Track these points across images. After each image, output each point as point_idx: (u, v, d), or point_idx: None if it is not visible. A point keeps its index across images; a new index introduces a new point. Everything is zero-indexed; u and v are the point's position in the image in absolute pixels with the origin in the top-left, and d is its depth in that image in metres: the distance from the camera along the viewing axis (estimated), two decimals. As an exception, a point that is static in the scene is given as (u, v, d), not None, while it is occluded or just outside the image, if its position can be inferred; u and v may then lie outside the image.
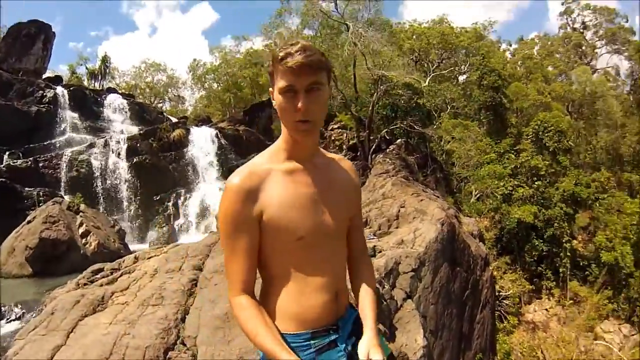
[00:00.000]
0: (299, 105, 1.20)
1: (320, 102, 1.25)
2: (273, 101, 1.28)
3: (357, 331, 1.39)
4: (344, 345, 1.34)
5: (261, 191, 1.25)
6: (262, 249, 1.29)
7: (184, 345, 3.59)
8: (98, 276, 5.79)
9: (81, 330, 3.70)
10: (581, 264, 16.86)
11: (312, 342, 1.29)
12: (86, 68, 27.17)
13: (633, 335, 14.35)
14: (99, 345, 3.34)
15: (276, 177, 1.28)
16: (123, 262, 6.27)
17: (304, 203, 1.29)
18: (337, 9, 19.58)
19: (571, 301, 15.41)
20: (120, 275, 5.61)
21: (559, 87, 25.18)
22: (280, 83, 1.22)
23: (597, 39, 31.46)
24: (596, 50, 31.52)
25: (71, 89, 17.47)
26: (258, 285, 1.35)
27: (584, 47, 31.19)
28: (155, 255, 6.36)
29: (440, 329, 8.16)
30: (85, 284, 5.58)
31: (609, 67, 31.15)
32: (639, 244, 16.34)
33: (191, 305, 4.31)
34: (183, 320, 3.99)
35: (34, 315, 5.81)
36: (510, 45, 34.82)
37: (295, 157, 1.32)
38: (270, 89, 1.30)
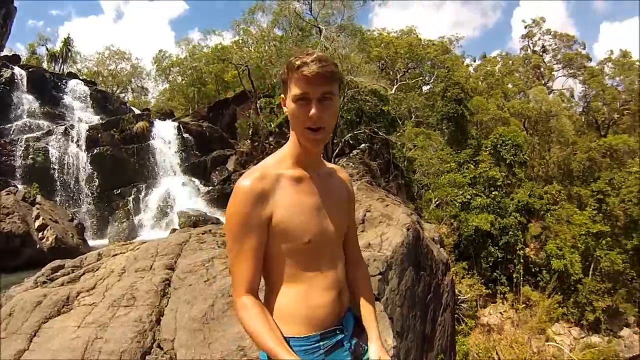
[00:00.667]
0: (312, 113, 1.24)
1: (332, 112, 1.29)
2: (283, 107, 1.32)
3: (357, 332, 1.47)
4: (349, 344, 1.40)
5: (271, 195, 1.27)
6: (268, 253, 1.31)
7: (161, 349, 3.42)
8: (58, 274, 5.39)
9: (46, 334, 3.42)
10: (533, 270, 17.77)
11: (321, 343, 1.32)
12: (47, 49, 25.46)
13: (582, 337, 15.34)
14: (68, 351, 3.10)
15: (285, 183, 1.31)
16: (85, 259, 5.87)
17: (310, 209, 1.33)
18: (310, 12, 19.67)
19: (524, 305, 16.15)
20: (83, 274, 5.26)
21: (517, 104, 26.62)
22: (295, 91, 1.25)
23: (555, 62, 33.69)
24: (553, 72, 33.74)
25: (30, 70, 16.31)
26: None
27: (542, 69, 33.26)
28: (121, 253, 6.03)
29: (405, 330, 8.34)
30: (44, 282, 5.18)
31: (564, 89, 33.43)
32: (586, 253, 17.52)
33: (165, 306, 4.12)
34: (158, 322, 3.79)
35: None
36: (474, 61, 36.62)
37: (302, 165, 1.36)
38: (282, 95, 1.33)
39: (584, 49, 32.99)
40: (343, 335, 1.39)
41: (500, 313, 16.01)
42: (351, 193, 1.58)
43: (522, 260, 17.28)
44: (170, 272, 4.93)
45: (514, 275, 17.15)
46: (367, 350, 1.47)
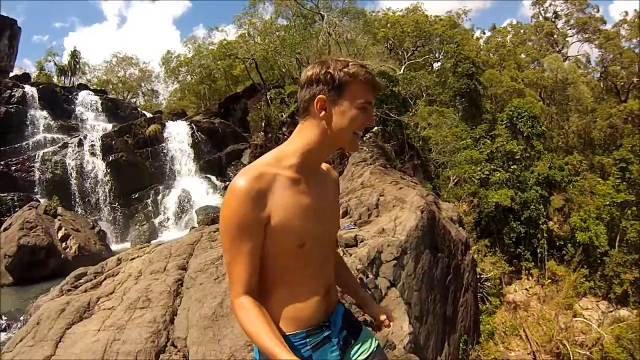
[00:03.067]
0: (372, 119, 1.33)
1: None
2: (322, 112, 1.27)
3: (346, 325, 1.50)
4: (336, 339, 1.43)
5: (269, 195, 1.25)
6: (262, 253, 1.30)
7: (175, 347, 3.55)
8: (81, 281, 5.65)
9: (70, 339, 3.60)
10: (557, 244, 17.32)
11: (307, 340, 1.35)
12: (55, 64, 26.17)
13: (610, 311, 14.98)
14: (89, 354, 3.27)
15: (283, 183, 1.28)
16: (106, 264, 6.12)
17: (306, 212, 1.31)
18: (311, -1, 19.46)
19: (549, 280, 15.86)
20: (104, 279, 5.48)
21: (531, 74, 25.76)
22: (361, 97, 1.28)
23: (568, 27, 32.33)
24: (567, 39, 32.36)
25: (40, 87, 16.78)
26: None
27: (555, 36, 31.97)
28: (138, 256, 6.24)
29: (424, 314, 8.35)
30: (69, 290, 5.43)
31: (579, 55, 32.12)
32: (611, 224, 16.95)
33: (178, 306, 4.25)
34: (172, 321, 3.93)
35: (19, 325, 5.63)
36: (484, 33, 35.41)
37: (304, 166, 1.33)
38: (321, 96, 1.27)
39: (598, 11, 31.48)
40: (330, 331, 1.41)
41: (526, 289, 15.80)
42: (337, 193, 1.59)
43: (545, 235, 16.86)
44: (183, 272, 5.07)
45: (538, 250, 16.77)
46: (354, 343, 1.51)
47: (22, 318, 5.85)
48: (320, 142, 1.30)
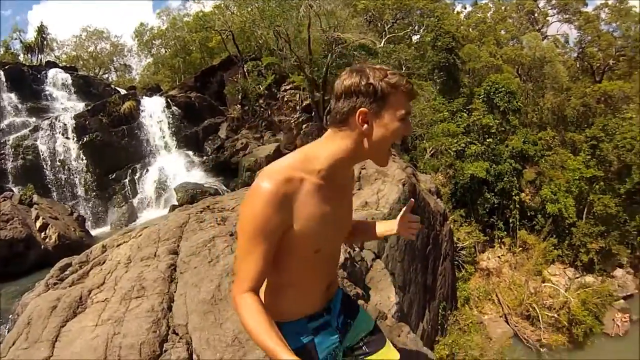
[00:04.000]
0: (409, 129, 1.28)
1: None
2: (364, 125, 1.23)
3: (344, 309, 1.58)
4: (335, 324, 1.51)
5: (294, 201, 1.23)
6: (276, 255, 1.29)
7: (176, 334, 3.50)
8: (67, 272, 5.38)
9: (67, 337, 3.47)
10: (529, 214, 18.10)
11: (308, 325, 1.41)
12: (21, 42, 24.44)
13: (577, 278, 15.96)
14: (91, 351, 3.17)
15: (308, 189, 1.25)
16: (90, 253, 5.87)
17: (326, 220, 1.30)
18: (291, -31, 18.75)
19: (520, 248, 16.65)
20: (91, 269, 5.27)
21: (510, 50, 25.94)
22: (401, 109, 1.24)
23: (549, 7, 32.42)
24: (548, 18, 32.47)
25: (7, 67, 15.79)
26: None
27: (536, 14, 32.08)
28: (124, 242, 6.06)
29: (407, 284, 8.71)
30: (55, 284, 5.15)
31: (558, 35, 32.31)
32: (580, 197, 17.78)
33: (174, 292, 4.17)
34: (170, 309, 3.88)
35: (8, 326, 5.34)
36: (465, 8, 35.19)
37: (330, 174, 1.29)
38: (363, 109, 1.22)
39: (580, -8, 31.74)
40: (330, 316, 1.49)
41: (499, 257, 16.52)
42: (353, 188, 1.61)
43: (517, 206, 17.58)
44: (175, 256, 4.99)
45: (511, 220, 17.53)
46: (352, 325, 1.60)
47: (10, 317, 5.57)
48: (353, 153, 1.27)
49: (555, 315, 13.43)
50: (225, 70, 21.27)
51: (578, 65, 30.74)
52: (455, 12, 31.92)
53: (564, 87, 25.53)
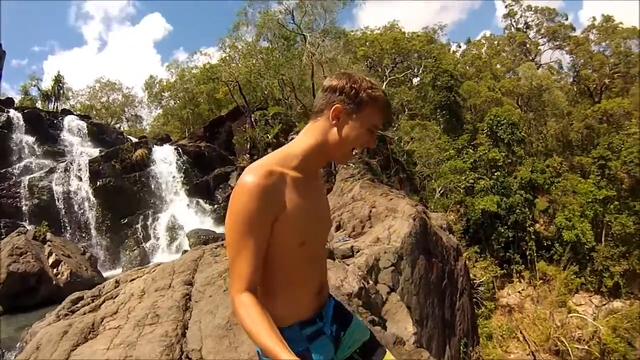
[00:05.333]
0: (374, 142, 1.40)
1: None
2: (335, 120, 1.33)
3: (336, 318, 1.54)
4: (329, 331, 1.47)
5: (278, 193, 1.26)
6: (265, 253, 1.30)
7: (190, 359, 3.51)
8: (78, 305, 5.44)
9: None
10: (545, 244, 17.67)
11: (302, 331, 1.38)
12: (39, 89, 25.88)
13: (604, 304, 15.22)
14: None
15: (289, 182, 1.30)
16: (103, 287, 5.95)
17: (308, 212, 1.34)
18: (293, 20, 19.94)
19: (541, 281, 16.14)
20: (104, 302, 5.31)
21: (507, 83, 26.71)
22: (373, 121, 1.35)
23: (539, 36, 33.83)
24: (539, 47, 33.85)
25: (25, 111, 16.42)
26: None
27: (528, 45, 33.42)
28: (138, 277, 6.12)
29: (424, 318, 8.43)
30: (66, 315, 5.21)
31: (552, 62, 33.52)
32: (596, 220, 17.45)
33: (189, 319, 4.20)
34: (184, 335, 3.88)
35: (15, 353, 5.37)
36: (460, 47, 36.68)
37: (307, 168, 1.36)
38: (338, 105, 1.32)
39: (566, 19, 33.21)
40: (322, 324, 1.44)
41: (519, 292, 15.98)
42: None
43: (533, 237, 17.26)
44: (189, 287, 5.02)
45: (527, 252, 17.13)
46: (344, 335, 1.54)
47: (18, 345, 5.55)
48: (321, 146, 1.35)
49: (586, 347, 12.69)
50: (233, 120, 22.01)
51: (575, 89, 31.44)
52: (450, 51, 33.30)
53: (564, 112, 25.96)
